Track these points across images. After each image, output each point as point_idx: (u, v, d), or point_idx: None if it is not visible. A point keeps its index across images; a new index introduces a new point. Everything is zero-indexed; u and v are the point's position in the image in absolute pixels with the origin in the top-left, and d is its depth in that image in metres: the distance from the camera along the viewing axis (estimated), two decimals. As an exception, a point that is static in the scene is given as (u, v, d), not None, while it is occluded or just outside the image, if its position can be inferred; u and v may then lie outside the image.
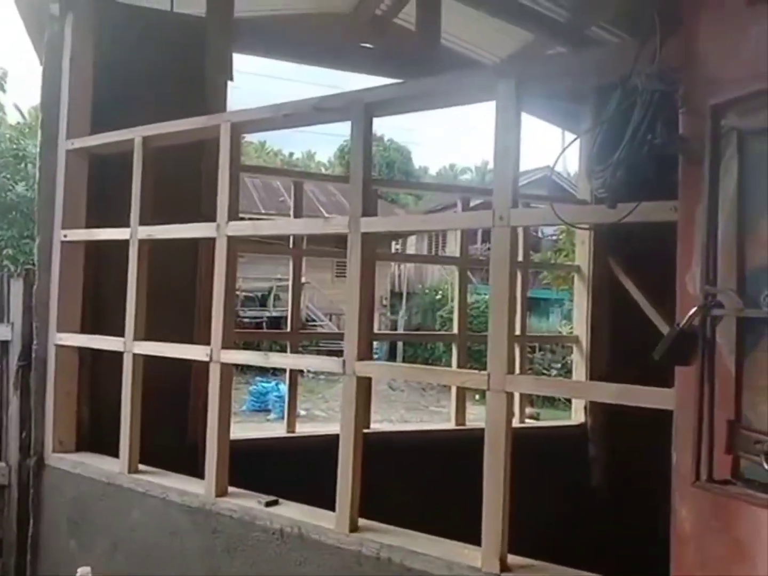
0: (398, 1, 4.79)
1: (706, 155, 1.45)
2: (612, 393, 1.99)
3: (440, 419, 10.99)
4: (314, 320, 18.02)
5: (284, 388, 8.98)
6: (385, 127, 34.20)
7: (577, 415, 4.85)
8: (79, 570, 2.38)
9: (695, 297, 1.51)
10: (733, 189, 1.45)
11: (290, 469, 3.12)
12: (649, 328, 3.79)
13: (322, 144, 44.23)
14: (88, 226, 3.28)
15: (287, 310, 4.79)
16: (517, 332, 4.74)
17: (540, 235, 17.92)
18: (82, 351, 3.30)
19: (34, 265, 3.44)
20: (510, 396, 2.13)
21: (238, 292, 16.01)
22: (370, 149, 2.48)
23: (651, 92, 1.55)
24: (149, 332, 3.00)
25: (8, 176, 12.01)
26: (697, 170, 1.53)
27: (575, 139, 3.33)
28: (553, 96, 4.60)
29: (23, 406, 3.37)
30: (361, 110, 2.44)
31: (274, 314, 17.30)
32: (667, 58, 1.61)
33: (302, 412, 10.73)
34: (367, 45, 4.90)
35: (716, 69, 1.52)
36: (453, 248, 18.79)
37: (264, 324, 16.94)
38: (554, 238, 14.97)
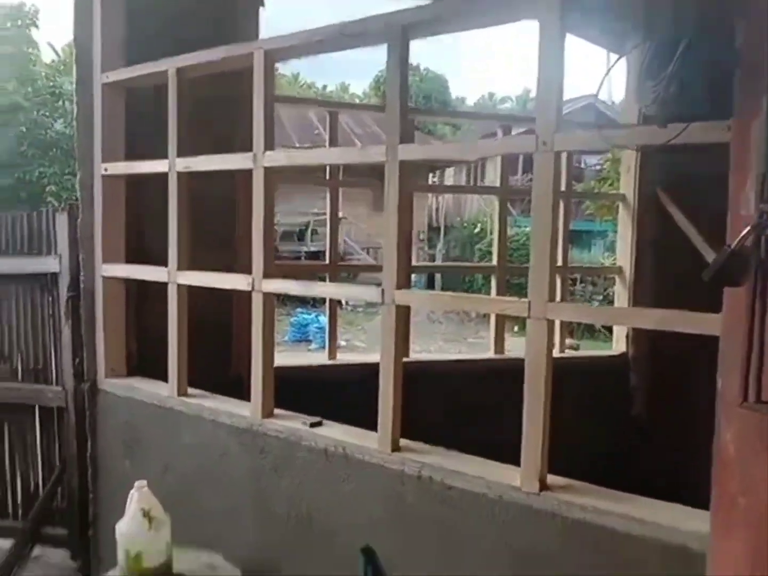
0: None
1: (764, 65, 1.36)
2: (656, 319, 1.96)
3: (479, 350, 11.08)
4: (351, 254, 18.10)
5: (324, 319, 9.13)
6: (421, 56, 33.12)
7: (618, 345, 4.82)
8: (136, 483, 2.51)
9: (748, 218, 1.45)
10: (794, 101, 1.36)
11: (332, 395, 3.19)
12: (695, 259, 3.70)
13: (357, 76, 43.26)
14: (127, 160, 3.30)
15: (325, 245, 4.81)
16: (559, 263, 4.68)
17: (583, 165, 17.40)
18: (128, 282, 3.39)
19: (76, 200, 3.51)
20: (551, 324, 2.11)
21: (276, 227, 16.13)
22: (406, 74, 2.41)
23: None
24: (192, 263, 3.05)
25: (47, 114, 12.14)
26: (754, 82, 1.44)
27: (622, 56, 3.17)
28: (599, 11, 4.35)
29: (75, 334, 3.51)
30: (398, 32, 2.35)
31: (312, 249, 17.44)
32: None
33: (342, 343, 10.95)
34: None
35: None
36: (492, 180, 18.43)
37: (302, 258, 17.11)
38: (598, 167, 14.52)
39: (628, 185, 4.69)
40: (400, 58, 2.37)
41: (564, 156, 4.42)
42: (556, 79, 2.08)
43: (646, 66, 1.54)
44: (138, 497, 2.49)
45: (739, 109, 1.54)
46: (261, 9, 3.68)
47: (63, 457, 3.67)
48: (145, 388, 3.25)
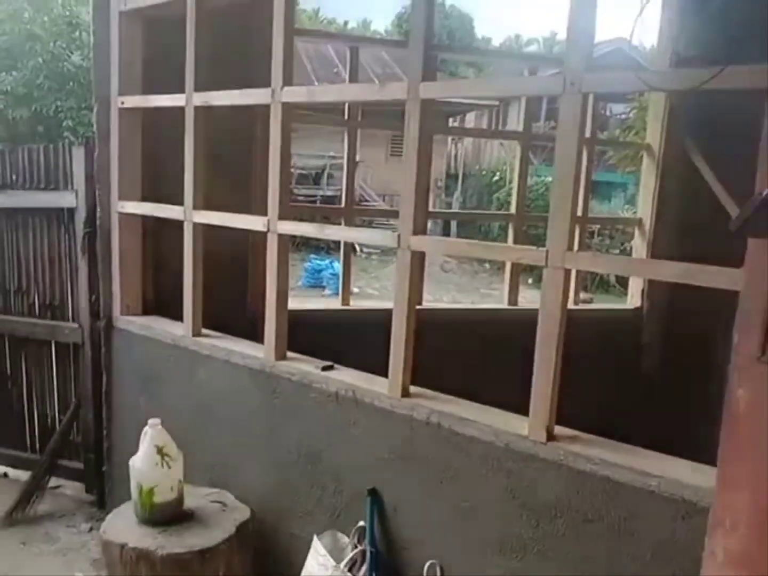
0: None
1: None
2: (677, 272, 1.91)
3: (492, 301, 11.07)
4: (367, 200, 17.95)
5: (338, 265, 9.12)
6: (446, -7, 31.95)
7: (633, 300, 4.77)
8: (150, 421, 2.56)
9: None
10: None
11: (345, 340, 3.21)
12: (719, 215, 3.60)
13: (379, 13, 41.91)
14: (144, 94, 3.24)
15: (341, 189, 4.75)
16: (579, 214, 4.59)
17: (608, 113, 16.91)
18: (145, 220, 3.38)
19: (93, 134, 3.47)
20: (568, 273, 2.08)
21: (291, 170, 15.98)
22: (432, 6, 2.31)
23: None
24: (208, 204, 3.03)
25: (63, 45, 11.90)
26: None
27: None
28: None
29: (91, 271, 3.53)
30: (425, -38, 2.24)
31: (328, 193, 17.30)
32: None
33: (355, 290, 10.95)
34: None
35: None
36: (514, 126, 18.00)
37: (317, 202, 16.99)
38: (624, 116, 14.10)
39: (654, 134, 4.54)
40: (425, -8, 2.27)
41: (591, 100, 4.28)
42: (587, 18, 1.98)
43: (684, 6, 1.45)
44: (152, 434, 2.54)
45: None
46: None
47: (79, 393, 3.74)
48: (160, 327, 3.28)
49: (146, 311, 3.48)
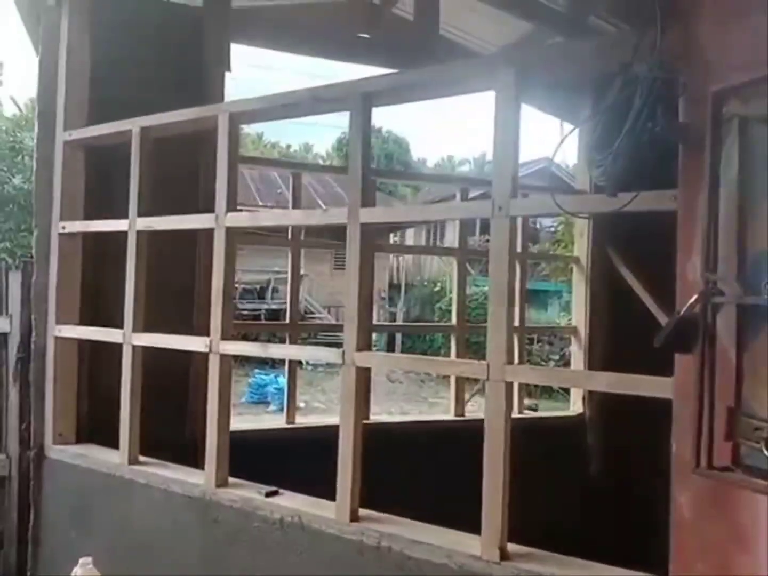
0: (396, -9, 4.76)
1: (707, 142, 1.45)
2: (610, 382, 1.99)
3: (439, 410, 11.02)
4: (313, 313, 18.04)
5: (283, 380, 8.99)
6: (383, 119, 34.10)
7: (575, 406, 4.87)
8: (81, 560, 2.37)
9: (696, 284, 1.51)
10: (733, 176, 1.45)
11: (290, 460, 3.12)
12: (647, 319, 3.80)
13: (320, 136, 44.06)
14: (86, 219, 3.27)
15: (286, 303, 4.79)
16: (516, 323, 4.75)
17: (538, 227, 17.91)
18: (81, 343, 3.29)
19: (32, 257, 3.43)
20: (509, 386, 2.13)
21: (236, 285, 16.01)
22: (368, 139, 2.47)
23: (651, 80, 1.54)
24: (148, 325, 3.00)
25: (5, 169, 11.96)
26: (697, 157, 1.53)
27: (574, 129, 3.32)
28: (553, 86, 4.58)
29: (23, 398, 3.37)
30: (360, 100, 2.43)
31: (273, 307, 17.32)
32: (667, 46, 1.61)
33: (301, 404, 10.75)
34: (364, 35, 4.87)
35: (716, 56, 1.52)
36: (451, 240, 18.76)
37: (262, 316, 16.95)
38: (552, 229, 14.97)
39: (581, 248, 4.84)
40: (362, 124, 2.44)
41: (519, 220, 4.55)
42: (511, 148, 2.16)
43: (594, 140, 1.61)
44: (82, 575, 2.35)
45: (685, 181, 1.63)
46: (227, 73, 3.75)
47: (1, 531, 3.45)
48: (95, 455, 3.12)
49: (80, 438, 3.31)
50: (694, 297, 1.42)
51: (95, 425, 3.34)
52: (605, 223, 4.54)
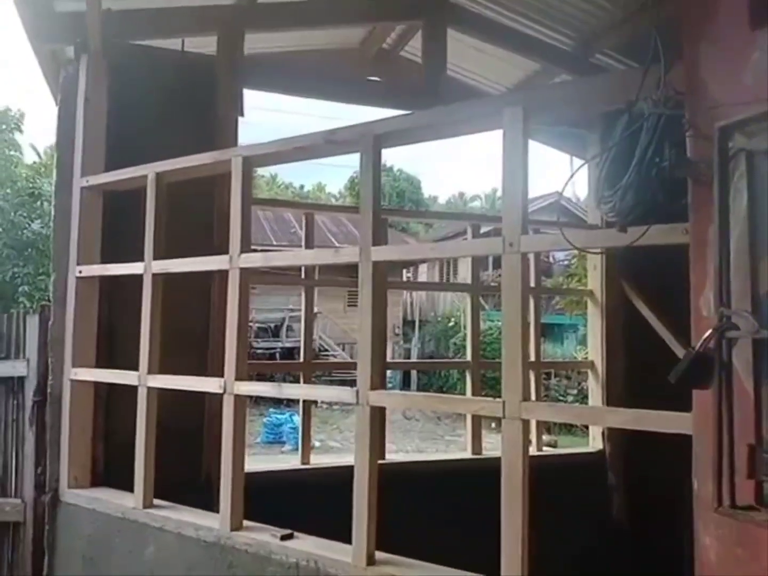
0: (404, 35, 4.88)
1: (715, 177, 1.46)
2: (628, 419, 1.96)
3: (456, 448, 10.87)
4: (327, 350, 18.00)
5: (298, 419, 8.92)
6: (394, 157, 34.52)
7: (595, 442, 4.78)
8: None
9: (710, 319, 1.49)
10: (743, 209, 1.45)
11: (305, 501, 3.08)
12: (664, 351, 3.75)
13: (333, 176, 44.64)
14: (102, 262, 3.32)
15: (300, 341, 4.80)
16: (532, 358, 4.71)
17: (551, 260, 17.87)
18: (97, 386, 3.31)
19: (49, 301, 3.48)
20: (526, 423, 2.10)
21: (251, 324, 16.06)
22: (379, 179, 2.51)
23: (657, 116, 1.56)
24: (163, 367, 3.01)
25: (24, 214, 12.23)
26: (706, 192, 1.53)
27: (583, 165, 3.35)
28: (561, 123, 4.63)
29: (38, 442, 3.38)
30: (371, 142, 2.47)
31: (287, 345, 17.31)
32: (672, 83, 1.62)
33: (317, 444, 10.65)
34: (375, 78, 4.97)
35: (720, 93, 1.54)
36: (464, 274, 18.79)
37: (277, 355, 16.94)
38: (566, 263, 14.93)
39: (595, 281, 4.81)
40: (372, 165, 2.48)
41: (531, 255, 4.55)
42: (520, 185, 2.18)
43: (603, 177, 1.62)
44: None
45: (695, 216, 1.63)
46: (240, 117, 3.84)
47: (15, 577, 3.42)
48: (109, 498, 3.11)
49: (95, 482, 3.30)
50: (709, 332, 1.40)
51: (110, 468, 3.33)
52: (618, 256, 4.53)
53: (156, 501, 2.98)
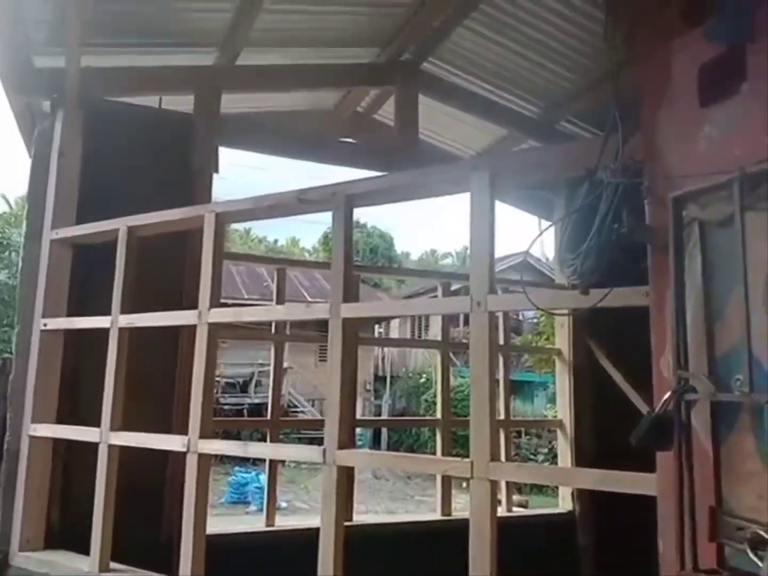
0: (378, 99, 5.05)
1: (670, 244, 1.52)
2: (594, 479, 1.98)
3: (426, 508, 10.66)
4: (296, 406, 17.71)
5: (264, 478, 8.71)
6: (368, 214, 35.00)
7: (564, 502, 4.75)
8: None
9: (670, 380, 1.53)
10: (698, 275, 1.50)
11: (270, 565, 2.99)
12: (632, 411, 3.78)
13: (307, 231, 44.90)
14: (68, 315, 3.27)
15: (269, 397, 4.74)
16: (501, 416, 4.71)
17: (521, 317, 18.07)
18: (56, 443, 3.21)
19: (11, 353, 3.40)
20: (494, 484, 2.10)
21: (218, 379, 15.79)
22: (350, 238, 2.55)
23: (615, 185, 1.63)
24: (126, 422, 2.94)
25: (-9, 265, 12.03)
26: (664, 258, 1.59)
27: (548, 227, 3.45)
28: (526, 187, 4.78)
29: (-9, 501, 3.23)
30: (342, 201, 2.53)
31: (255, 401, 17.00)
32: (630, 153, 1.71)
33: (283, 504, 10.35)
34: (349, 140, 5.11)
35: (675, 164, 1.62)
36: (436, 331, 18.85)
37: (245, 411, 16.61)
38: (535, 321, 15.12)
39: (563, 340, 4.88)
40: (344, 224, 2.53)
41: (500, 313, 4.61)
42: (487, 246, 2.23)
43: (565, 241, 1.68)
44: None
45: (654, 281, 1.69)
46: (215, 174, 3.89)
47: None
48: (63, 562, 2.97)
49: (48, 544, 3.16)
50: (668, 394, 1.44)
51: (67, 528, 3.20)
52: (585, 315, 4.61)
53: (113, 564, 2.85)
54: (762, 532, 1.27)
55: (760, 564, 1.25)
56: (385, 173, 2.96)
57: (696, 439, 1.42)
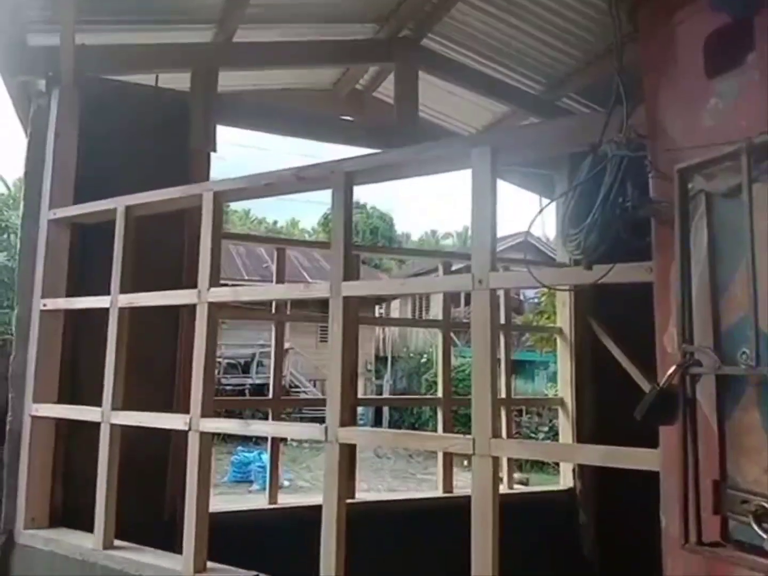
0: (377, 76, 4.98)
1: (676, 217, 1.50)
2: (597, 456, 1.97)
3: (428, 486, 10.74)
4: (298, 387, 17.79)
5: (267, 457, 8.77)
6: (368, 195, 34.89)
7: (565, 480, 4.77)
8: None
9: (674, 356, 1.52)
10: (704, 248, 1.48)
11: (272, 542, 3.01)
12: (633, 388, 3.78)
13: (306, 211, 44.83)
14: (68, 295, 3.26)
15: (270, 377, 4.74)
16: (503, 395, 4.72)
17: (522, 297, 18.07)
18: (59, 423, 3.21)
19: (11, 335, 3.40)
20: (496, 461, 2.09)
21: (220, 359, 15.82)
22: (350, 216, 2.53)
23: (620, 158, 1.61)
24: (128, 403, 2.94)
25: (-10, 246, 11.99)
26: (669, 231, 1.57)
27: (550, 203, 3.42)
28: (528, 164, 4.74)
29: (-6, 481, 3.25)
30: (342, 179, 2.50)
31: (257, 381, 17.06)
32: (635, 126, 1.68)
33: (285, 483, 10.43)
34: (348, 118, 5.05)
35: (680, 136, 1.59)
36: (437, 311, 18.87)
37: (247, 392, 16.68)
38: (536, 300, 15.12)
39: (564, 319, 4.87)
40: (344, 202, 2.50)
41: (501, 292, 4.60)
42: (489, 223, 2.21)
43: (569, 216, 1.66)
44: None
45: (658, 255, 1.67)
46: (213, 153, 3.85)
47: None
48: (68, 540, 2.99)
49: (53, 522, 3.18)
50: (672, 368, 1.42)
51: (70, 508, 3.22)
52: (586, 293, 4.60)
53: (117, 542, 2.88)
54: (766, 505, 1.26)
55: (764, 536, 1.25)
56: (383, 150, 2.93)
57: (701, 414, 1.41)
